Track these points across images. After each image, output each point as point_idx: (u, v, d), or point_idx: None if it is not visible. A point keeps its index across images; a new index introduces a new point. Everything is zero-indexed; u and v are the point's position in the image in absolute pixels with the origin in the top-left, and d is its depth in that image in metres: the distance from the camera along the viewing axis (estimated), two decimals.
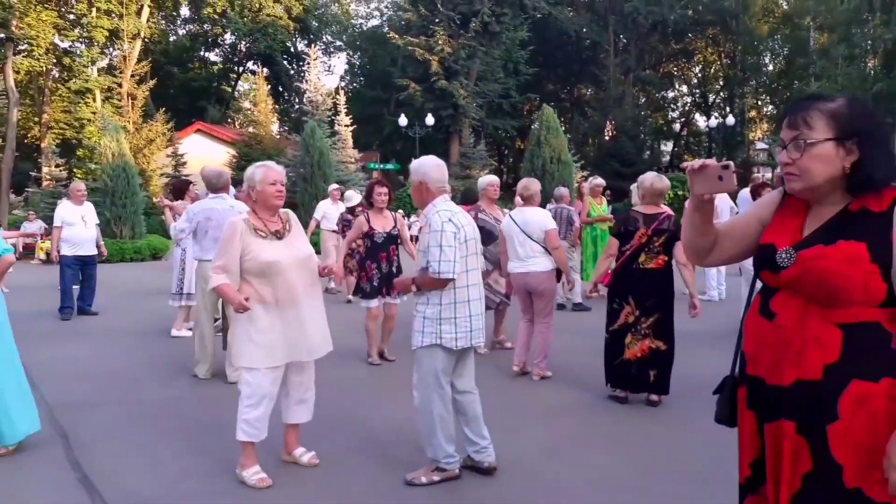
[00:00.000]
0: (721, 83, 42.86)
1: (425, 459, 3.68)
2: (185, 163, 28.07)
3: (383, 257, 6.23)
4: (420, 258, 3.67)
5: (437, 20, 31.51)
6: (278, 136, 31.34)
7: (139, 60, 29.38)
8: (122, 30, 28.60)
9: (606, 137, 39.11)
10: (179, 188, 7.09)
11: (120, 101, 28.12)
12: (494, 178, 6.67)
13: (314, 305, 3.81)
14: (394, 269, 6.27)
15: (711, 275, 9.63)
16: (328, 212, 11.26)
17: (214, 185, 5.97)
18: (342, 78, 48.63)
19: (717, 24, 38.53)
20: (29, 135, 34.27)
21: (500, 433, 4.01)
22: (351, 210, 9.51)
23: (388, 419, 4.73)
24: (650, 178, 5.16)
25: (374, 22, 46.80)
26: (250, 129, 30.63)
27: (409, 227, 15.03)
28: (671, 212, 5.08)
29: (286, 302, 3.62)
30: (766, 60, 41.05)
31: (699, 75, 44.95)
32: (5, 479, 3.75)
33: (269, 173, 3.72)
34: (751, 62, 39.41)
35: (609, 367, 5.11)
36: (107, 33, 28.68)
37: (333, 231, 11.00)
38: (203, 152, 29.86)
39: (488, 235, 6.20)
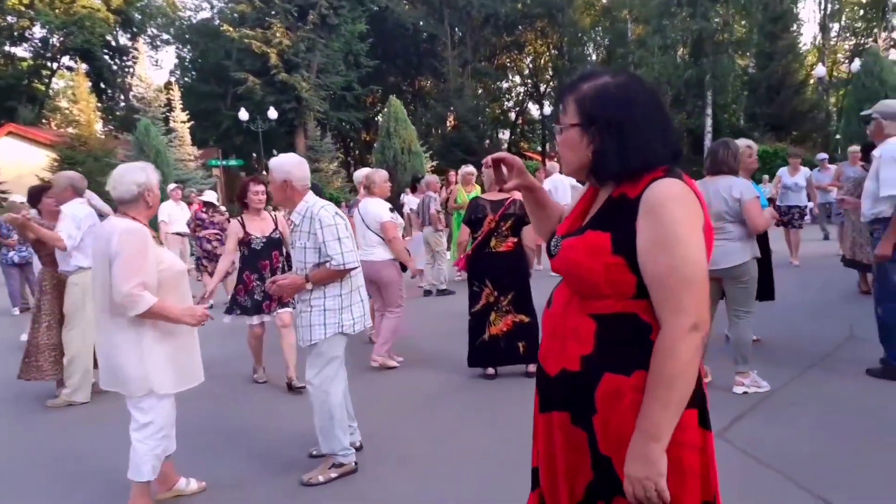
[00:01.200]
0: (551, 73, 45.21)
1: (315, 462, 3.66)
2: None
3: (265, 266, 5.37)
4: (297, 255, 3.58)
5: (273, 12, 30.58)
6: (104, 136, 28.87)
7: None
8: None
9: (449, 127, 40.01)
10: (36, 194, 6.07)
11: None
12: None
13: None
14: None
15: None
16: (173, 213, 10.63)
17: (83, 189, 5.39)
18: (172, 73, 45.83)
19: (544, 16, 40.56)
20: None
21: (383, 422, 4.02)
22: (210, 207, 8.98)
23: (271, 428, 4.60)
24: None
25: (204, 14, 44.51)
26: (70, 130, 27.97)
27: None
28: (518, 196, 5.33)
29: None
30: (590, 51, 43.86)
31: (530, 66, 47.13)
32: None
33: (154, 176, 3.33)
34: (576, 53, 41.91)
35: (472, 348, 5.33)
36: None
37: (177, 233, 10.42)
38: (17, 156, 26.95)
39: None
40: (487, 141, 38.65)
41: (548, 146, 43.29)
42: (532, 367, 5.22)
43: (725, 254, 4.38)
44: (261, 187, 5.42)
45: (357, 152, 44.86)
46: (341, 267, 3.43)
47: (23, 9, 35.21)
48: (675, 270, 1.44)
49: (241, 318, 5.43)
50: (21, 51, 40.98)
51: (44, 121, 37.23)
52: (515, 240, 5.21)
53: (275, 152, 35.20)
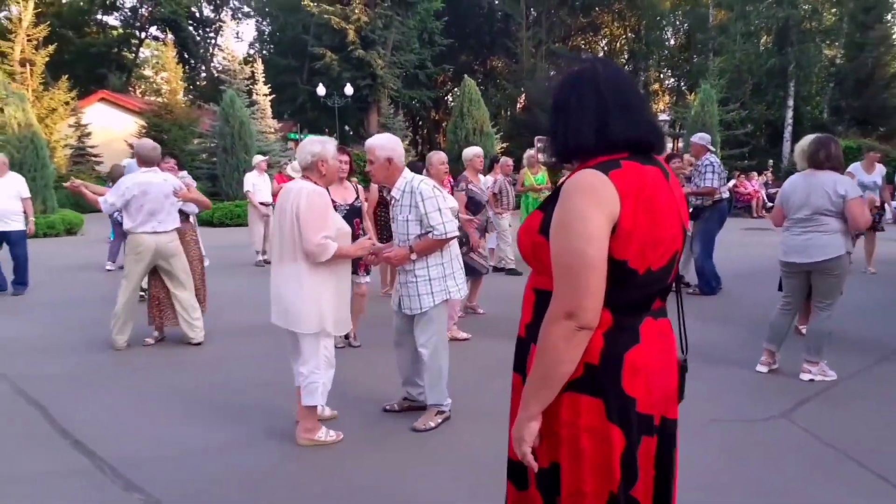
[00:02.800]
0: (626, 56, 44.43)
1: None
2: (89, 133, 26.65)
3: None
4: (399, 228, 3.93)
5: None
6: (187, 106, 30.10)
7: (36, 24, 27.44)
8: None
9: (518, 109, 39.91)
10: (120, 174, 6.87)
11: (12, 66, 26.26)
12: (479, 150, 6.94)
13: (349, 280, 4.04)
14: None
15: None
16: (257, 183, 11.23)
17: (149, 158, 5.90)
18: (251, 45, 47.14)
19: None
20: None
21: (463, 385, 4.37)
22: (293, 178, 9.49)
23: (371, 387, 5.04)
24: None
25: None
26: (156, 98, 29.35)
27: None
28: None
29: (344, 274, 3.86)
30: (668, 35, 42.87)
31: (605, 49, 46.39)
32: None
33: (334, 150, 3.85)
34: (654, 37, 41.02)
35: None
36: None
37: (262, 203, 11.00)
38: (108, 122, 28.42)
39: (477, 205, 6.45)
40: None
41: None
42: None
43: (821, 246, 4.52)
44: (345, 157, 5.68)
45: (425, 131, 45.29)
46: (443, 236, 3.79)
47: None
48: (559, 256, 1.51)
49: None
50: (112, 20, 43.03)
51: (130, 88, 39.01)
52: None
53: (347, 128, 36.04)
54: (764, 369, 4.92)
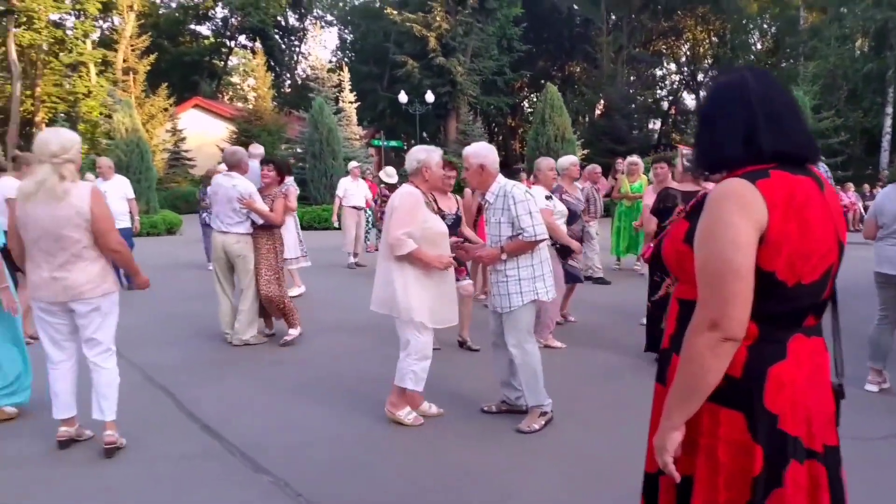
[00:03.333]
0: (710, 61, 43.28)
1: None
2: (184, 138, 28.05)
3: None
4: (491, 230, 4.15)
5: None
6: (275, 112, 31.25)
7: (139, 35, 29.13)
8: (115, 1, 28.31)
9: (596, 115, 39.49)
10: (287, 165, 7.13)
11: (114, 75, 27.92)
12: (575, 158, 7.02)
13: (452, 278, 4.34)
14: None
15: None
16: (349, 188, 11.60)
17: (230, 163, 6.30)
18: (334, 53, 48.43)
19: (707, 1, 38.85)
20: (21, 109, 33.89)
21: (562, 391, 4.45)
22: (391, 187, 9.75)
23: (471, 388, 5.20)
24: (689, 154, 5.66)
25: None
26: (246, 105, 30.60)
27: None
28: (710, 188, 5.53)
29: (443, 272, 4.15)
30: (755, 39, 41.51)
31: (688, 53, 45.33)
32: (134, 438, 4.12)
33: (439, 160, 4.31)
34: (739, 41, 39.82)
35: (650, 335, 5.53)
36: (100, 5, 28.41)
37: (353, 208, 11.36)
38: (201, 128, 29.83)
39: (573, 215, 6.52)
40: (637, 130, 37.87)
41: None
42: None
43: None
44: (453, 172, 6.09)
45: (500, 138, 45.39)
46: (533, 238, 3.97)
47: None
48: (704, 265, 1.50)
49: None
50: (204, 29, 45.13)
51: (219, 95, 40.77)
52: None
53: (424, 135, 36.50)
54: (874, 388, 4.79)
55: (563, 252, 6.08)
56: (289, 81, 46.90)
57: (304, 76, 43.72)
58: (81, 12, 29.36)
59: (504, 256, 4.04)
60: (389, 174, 10.08)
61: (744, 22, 39.18)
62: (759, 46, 41.35)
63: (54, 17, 29.67)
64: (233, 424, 4.24)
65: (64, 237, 3.53)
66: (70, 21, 30.53)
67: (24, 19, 27.37)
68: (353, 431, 4.14)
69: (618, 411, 4.44)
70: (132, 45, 28.20)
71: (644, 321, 5.73)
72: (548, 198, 6.02)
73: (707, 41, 43.48)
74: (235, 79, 47.68)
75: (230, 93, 45.59)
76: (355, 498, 3.31)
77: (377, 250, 10.34)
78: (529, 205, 4.00)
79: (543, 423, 4.11)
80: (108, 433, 3.77)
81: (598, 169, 9.85)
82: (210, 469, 3.65)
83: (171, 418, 4.42)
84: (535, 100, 47.30)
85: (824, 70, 27.81)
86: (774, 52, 39.29)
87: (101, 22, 31.21)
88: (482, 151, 4.20)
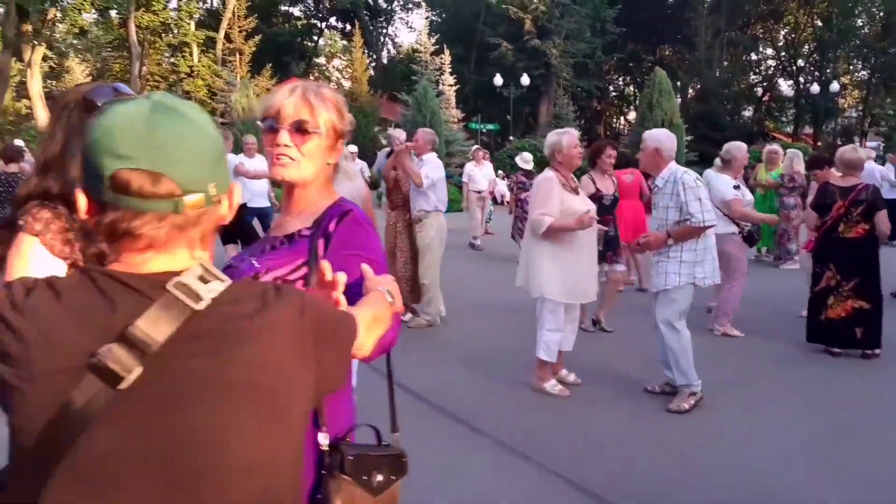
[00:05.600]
0: (812, 46, 41.27)
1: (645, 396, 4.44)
2: None
3: (608, 220, 5.78)
4: (659, 214, 4.28)
5: None
6: (370, 95, 31.66)
7: (246, 16, 29.95)
8: None
9: (690, 99, 38.33)
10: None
11: (216, 55, 28.80)
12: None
13: (592, 257, 4.46)
14: (617, 234, 6.26)
15: None
16: (473, 174, 11.74)
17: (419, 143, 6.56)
18: (428, 35, 48.39)
19: None
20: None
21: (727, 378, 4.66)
22: (527, 173, 9.80)
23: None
24: (846, 150, 5.60)
25: None
26: (341, 87, 31.10)
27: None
28: (868, 182, 5.47)
29: (578, 249, 4.30)
30: (863, 23, 39.35)
31: (787, 37, 43.35)
32: None
33: (573, 139, 4.46)
34: (845, 25, 37.80)
35: (811, 325, 5.59)
36: None
37: (476, 192, 11.49)
38: None
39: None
40: (731, 117, 36.63)
41: (800, 127, 39.98)
42: (869, 351, 5.40)
43: None
44: (614, 152, 6.26)
45: (583, 121, 44.55)
46: (700, 224, 4.05)
47: None
48: None
49: None
50: (296, 11, 45.93)
51: (309, 76, 41.49)
52: (867, 226, 5.31)
53: (508, 118, 36.28)
54: None
55: (750, 240, 6.09)
56: (374, 64, 47.31)
57: (390, 57, 44.05)
58: None
59: (671, 241, 4.15)
60: (526, 160, 10.10)
61: (850, 5, 37.14)
62: (866, 31, 39.19)
63: None
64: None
65: None
66: (173, 2, 31.59)
67: (144, 1, 28.53)
68: (510, 404, 4.46)
69: (771, 399, 4.53)
70: (239, 27, 28.99)
71: (804, 313, 5.73)
72: (735, 187, 6.00)
73: (810, 25, 41.42)
74: (322, 59, 48.36)
75: (317, 74, 46.34)
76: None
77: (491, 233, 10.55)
78: (699, 191, 4.12)
79: (693, 402, 4.19)
80: None
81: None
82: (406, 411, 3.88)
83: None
84: (620, 84, 46.40)
85: None
86: (883, 38, 37.12)
87: (203, 3, 32.21)
88: (659, 136, 4.37)
